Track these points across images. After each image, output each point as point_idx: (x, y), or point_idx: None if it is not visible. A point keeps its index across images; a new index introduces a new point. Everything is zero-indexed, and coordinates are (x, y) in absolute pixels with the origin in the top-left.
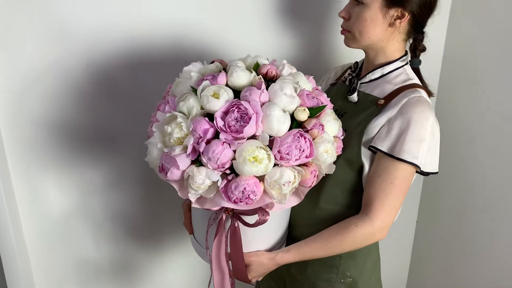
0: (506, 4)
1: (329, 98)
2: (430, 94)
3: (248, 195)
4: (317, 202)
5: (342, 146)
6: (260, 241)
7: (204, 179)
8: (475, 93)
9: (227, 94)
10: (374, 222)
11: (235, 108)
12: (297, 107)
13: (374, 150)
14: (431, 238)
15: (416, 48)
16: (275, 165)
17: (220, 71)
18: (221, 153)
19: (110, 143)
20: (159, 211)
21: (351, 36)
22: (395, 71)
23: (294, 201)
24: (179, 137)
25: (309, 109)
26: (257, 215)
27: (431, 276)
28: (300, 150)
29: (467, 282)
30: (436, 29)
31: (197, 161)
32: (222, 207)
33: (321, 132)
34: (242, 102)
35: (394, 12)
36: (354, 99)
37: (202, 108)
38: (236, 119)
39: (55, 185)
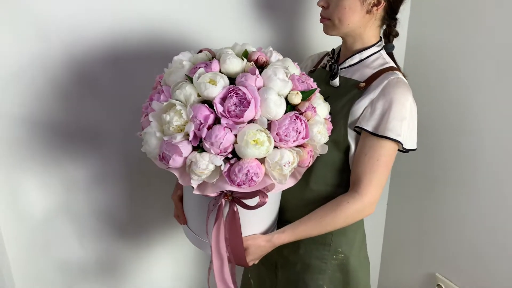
0: None
1: (315, 83)
2: (404, 76)
3: (251, 177)
4: (307, 184)
5: (332, 128)
6: (256, 225)
7: (207, 164)
8: (439, 74)
9: (223, 81)
10: (364, 198)
11: (233, 93)
12: (290, 91)
13: (359, 131)
14: (402, 219)
15: (390, 34)
16: (274, 147)
17: (210, 60)
18: (224, 137)
19: (92, 140)
20: (144, 206)
21: (330, 24)
22: (372, 56)
23: (292, 182)
24: (178, 125)
25: (301, 92)
26: (255, 198)
27: (404, 253)
28: (297, 131)
29: (438, 258)
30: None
31: (198, 148)
32: (221, 193)
33: (314, 114)
34: (240, 87)
35: None
36: (336, 83)
37: (199, 95)
38: (235, 104)
39: (36, 184)
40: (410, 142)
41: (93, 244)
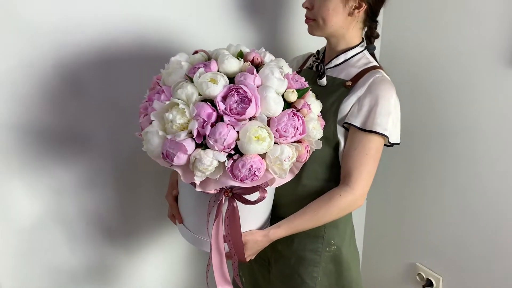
0: None
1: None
2: (387, 74)
3: (254, 172)
4: (299, 179)
5: (324, 124)
6: (252, 221)
7: (212, 160)
8: (412, 74)
9: (224, 80)
10: (355, 191)
11: (234, 92)
12: (286, 89)
13: (347, 127)
14: (382, 211)
15: (371, 36)
16: (275, 143)
17: (206, 60)
18: (227, 134)
19: (80, 143)
20: (135, 209)
21: (315, 25)
22: (356, 56)
23: (290, 177)
24: (182, 123)
25: (297, 90)
26: (254, 193)
27: (384, 245)
28: (295, 128)
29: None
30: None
31: (201, 145)
32: (222, 189)
33: (309, 111)
34: (241, 85)
35: (353, 2)
36: (323, 82)
37: (199, 94)
38: (237, 102)
39: (23, 189)
40: (395, 136)
41: (83, 250)
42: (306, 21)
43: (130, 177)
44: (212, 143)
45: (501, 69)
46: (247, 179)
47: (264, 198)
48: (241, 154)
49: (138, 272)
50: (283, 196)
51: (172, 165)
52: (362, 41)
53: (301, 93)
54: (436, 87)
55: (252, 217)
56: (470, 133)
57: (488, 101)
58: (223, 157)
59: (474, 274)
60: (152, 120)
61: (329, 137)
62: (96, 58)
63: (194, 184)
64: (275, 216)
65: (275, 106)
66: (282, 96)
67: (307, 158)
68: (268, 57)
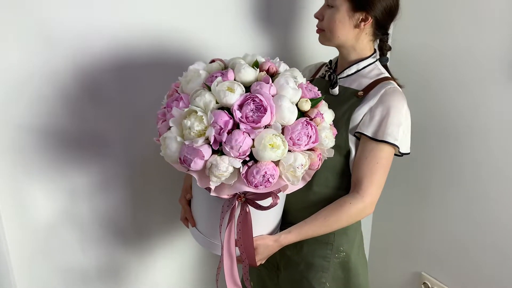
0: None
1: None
2: (400, 86)
3: (268, 179)
4: (310, 186)
5: (336, 133)
6: (263, 226)
7: (227, 166)
8: (422, 84)
9: (240, 89)
10: (365, 199)
11: (250, 100)
12: (300, 99)
13: (358, 136)
14: (388, 219)
15: (382, 48)
16: (288, 151)
17: (223, 69)
18: (243, 141)
19: (96, 147)
20: (147, 212)
21: (324, 35)
22: (368, 67)
23: (302, 183)
24: (199, 130)
25: (310, 100)
26: (266, 200)
27: (390, 253)
28: (308, 136)
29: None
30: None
31: (217, 151)
32: (235, 194)
33: (322, 120)
34: (257, 94)
35: (359, 15)
36: (335, 92)
37: (217, 102)
38: (253, 110)
39: (40, 190)
40: (405, 146)
41: (95, 251)
42: (317, 31)
43: (143, 181)
44: (228, 150)
45: None
46: (261, 185)
47: (276, 204)
48: (256, 161)
49: (150, 274)
50: (293, 202)
51: (189, 170)
52: (375, 52)
53: (314, 102)
54: (444, 92)
55: (264, 222)
56: (479, 139)
57: (498, 107)
58: (238, 163)
59: (481, 284)
60: (171, 126)
61: (340, 145)
62: (113, 64)
63: (209, 189)
64: (285, 222)
65: (289, 115)
66: (296, 105)
67: (320, 166)
68: (283, 67)
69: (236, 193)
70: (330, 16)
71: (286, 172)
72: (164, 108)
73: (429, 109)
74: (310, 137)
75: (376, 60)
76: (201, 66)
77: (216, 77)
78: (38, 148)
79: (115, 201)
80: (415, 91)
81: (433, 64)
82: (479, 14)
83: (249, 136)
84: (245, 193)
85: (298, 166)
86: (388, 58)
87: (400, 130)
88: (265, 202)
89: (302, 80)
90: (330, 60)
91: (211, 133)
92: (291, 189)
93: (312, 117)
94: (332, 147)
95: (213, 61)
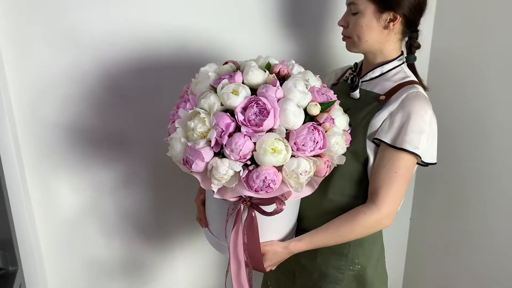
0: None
1: (335, 95)
2: (425, 89)
3: (268, 184)
4: (325, 194)
5: (351, 139)
6: (273, 231)
7: (227, 169)
8: (462, 87)
9: (245, 91)
10: (381, 210)
11: (254, 103)
12: (309, 103)
13: (377, 143)
14: (425, 235)
15: (411, 46)
16: (292, 156)
17: (234, 71)
18: (243, 145)
19: (120, 145)
20: (168, 210)
21: (351, 42)
22: (393, 70)
23: (309, 191)
24: (202, 132)
25: (320, 104)
26: (274, 204)
27: (427, 271)
28: (314, 142)
29: (462, 277)
30: (422, 26)
31: (219, 154)
32: (241, 198)
33: (332, 125)
34: (261, 97)
35: (386, 16)
36: (356, 95)
37: (222, 104)
38: (256, 113)
39: (68, 186)
40: (429, 155)
41: (118, 245)
42: (343, 39)
43: (164, 179)
44: (228, 153)
45: None
46: (261, 190)
47: (281, 210)
48: (257, 165)
49: (169, 270)
50: (308, 209)
51: (191, 171)
52: (401, 54)
53: (325, 106)
54: (490, 103)
55: (273, 227)
56: None
57: None
58: (238, 166)
59: None
60: (177, 127)
61: (357, 152)
62: (137, 65)
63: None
64: (300, 229)
65: (294, 119)
66: (305, 109)
67: (327, 173)
68: (296, 69)
69: (241, 197)
70: (356, 22)
71: (289, 178)
72: (175, 109)
73: (471, 118)
74: (317, 142)
75: (402, 63)
76: (212, 68)
77: (224, 79)
78: (65, 145)
79: (137, 197)
80: (456, 99)
81: (476, 72)
82: None
83: (250, 139)
84: (250, 197)
85: (302, 173)
86: (416, 57)
87: (422, 138)
88: (270, 208)
89: (315, 83)
90: (356, 63)
91: (212, 135)
92: (296, 195)
93: (321, 122)
94: (349, 153)
95: (226, 63)
